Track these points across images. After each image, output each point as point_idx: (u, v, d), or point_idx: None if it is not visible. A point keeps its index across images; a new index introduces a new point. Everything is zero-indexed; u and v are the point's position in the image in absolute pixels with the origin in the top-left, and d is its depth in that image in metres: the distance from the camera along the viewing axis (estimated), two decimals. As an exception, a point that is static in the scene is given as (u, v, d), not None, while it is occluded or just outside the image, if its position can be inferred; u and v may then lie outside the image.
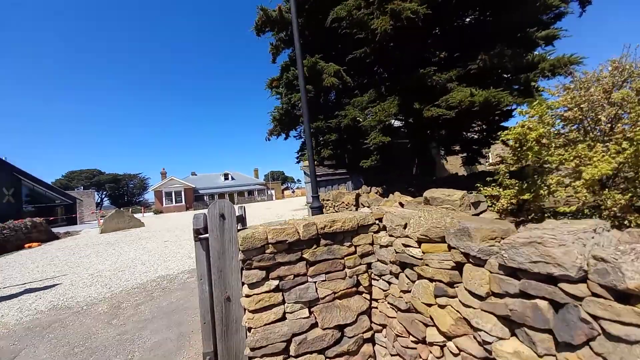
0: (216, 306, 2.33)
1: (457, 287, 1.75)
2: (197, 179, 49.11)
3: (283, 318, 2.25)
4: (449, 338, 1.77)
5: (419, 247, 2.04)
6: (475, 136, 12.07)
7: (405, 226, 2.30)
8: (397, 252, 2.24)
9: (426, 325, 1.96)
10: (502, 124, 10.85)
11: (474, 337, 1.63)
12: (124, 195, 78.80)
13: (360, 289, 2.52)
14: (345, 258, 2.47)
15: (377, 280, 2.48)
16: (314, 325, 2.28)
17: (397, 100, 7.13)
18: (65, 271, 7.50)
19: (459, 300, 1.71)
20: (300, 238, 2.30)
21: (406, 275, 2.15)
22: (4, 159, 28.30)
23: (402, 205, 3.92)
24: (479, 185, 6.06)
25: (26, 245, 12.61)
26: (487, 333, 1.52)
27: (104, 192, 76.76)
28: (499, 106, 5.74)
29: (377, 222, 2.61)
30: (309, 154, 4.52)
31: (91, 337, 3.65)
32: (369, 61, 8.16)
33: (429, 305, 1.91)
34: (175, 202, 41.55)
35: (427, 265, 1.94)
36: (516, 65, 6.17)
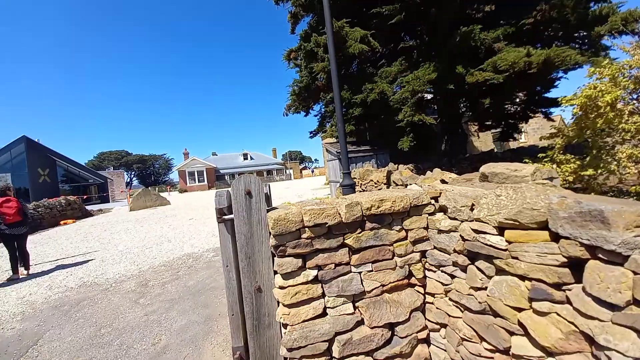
0: (245, 297, 2.00)
1: (570, 290, 1.27)
2: (218, 159, 49.89)
3: (324, 314, 1.89)
4: (551, 354, 1.32)
5: (501, 235, 1.56)
6: (512, 109, 10.95)
7: (471, 207, 1.82)
8: (465, 240, 1.77)
9: (511, 334, 1.52)
10: (544, 95, 9.68)
11: (595, 357, 1.18)
12: (150, 175, 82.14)
13: (413, 281, 2.10)
14: (394, 245, 2.04)
15: (434, 271, 2.04)
16: (360, 322, 1.91)
17: (432, 66, 6.34)
18: (97, 247, 7.66)
19: (574, 308, 1.24)
20: (343, 220, 1.89)
21: (479, 269, 1.69)
22: (37, 140, 29.64)
23: (444, 182, 3.40)
24: (527, 160, 5.35)
25: (61, 222, 13.22)
26: (621, 354, 1.07)
27: (133, 172, 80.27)
28: (560, 67, 4.87)
29: (432, 202, 2.13)
30: (339, 126, 4.01)
31: (118, 316, 3.54)
32: (398, 23, 7.29)
33: (519, 309, 1.46)
34: (198, 182, 42.62)
35: (516, 258, 1.46)
36: (579, 18, 5.18)
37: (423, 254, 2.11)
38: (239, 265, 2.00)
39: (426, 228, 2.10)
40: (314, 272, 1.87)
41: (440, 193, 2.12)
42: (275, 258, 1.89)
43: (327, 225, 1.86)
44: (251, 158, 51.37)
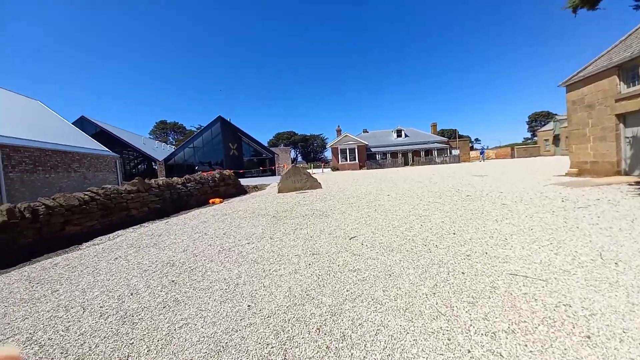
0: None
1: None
2: (369, 136, 44.83)
3: None
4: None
5: None
6: None
7: None
8: None
9: None
10: None
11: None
12: (310, 153, 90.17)
13: None
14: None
15: None
16: None
17: None
18: (157, 305, 2.76)
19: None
20: None
21: None
22: (229, 120, 33.79)
23: None
24: None
25: (210, 201, 10.83)
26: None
27: (298, 150, 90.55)
28: None
29: None
30: None
31: None
32: None
33: None
34: (349, 160, 39.20)
35: None
36: None
37: None
38: None
39: None
40: None
41: None
42: None
43: None
44: (406, 135, 43.04)
